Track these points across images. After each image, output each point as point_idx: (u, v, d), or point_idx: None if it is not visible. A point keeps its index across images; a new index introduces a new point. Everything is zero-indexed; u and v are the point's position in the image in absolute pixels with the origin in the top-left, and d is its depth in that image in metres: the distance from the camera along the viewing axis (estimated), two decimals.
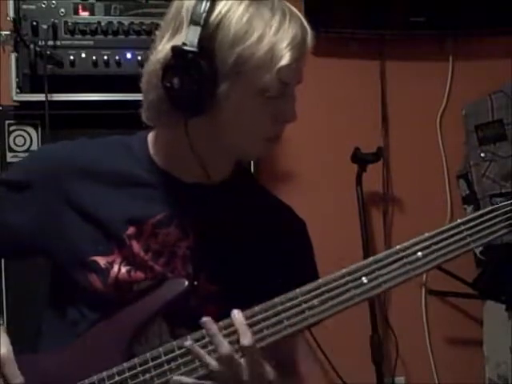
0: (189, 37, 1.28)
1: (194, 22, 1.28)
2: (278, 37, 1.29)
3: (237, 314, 1.29)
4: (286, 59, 1.29)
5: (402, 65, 2.94)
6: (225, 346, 1.27)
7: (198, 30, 1.28)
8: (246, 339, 1.27)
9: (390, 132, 2.95)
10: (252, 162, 2.39)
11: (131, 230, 1.39)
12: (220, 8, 1.29)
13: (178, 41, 1.30)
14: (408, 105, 2.94)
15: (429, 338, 2.94)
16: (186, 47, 1.28)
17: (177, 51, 1.29)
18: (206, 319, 1.30)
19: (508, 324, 2.61)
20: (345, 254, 2.70)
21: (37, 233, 1.41)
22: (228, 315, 1.33)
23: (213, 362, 1.28)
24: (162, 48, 1.33)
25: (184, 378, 1.30)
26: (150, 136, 1.46)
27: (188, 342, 1.29)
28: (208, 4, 1.28)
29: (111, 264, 1.38)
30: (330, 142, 2.90)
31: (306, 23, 1.36)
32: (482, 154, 2.82)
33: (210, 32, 1.28)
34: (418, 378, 2.94)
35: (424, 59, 2.94)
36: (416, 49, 2.93)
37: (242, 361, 1.28)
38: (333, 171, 2.87)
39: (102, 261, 1.38)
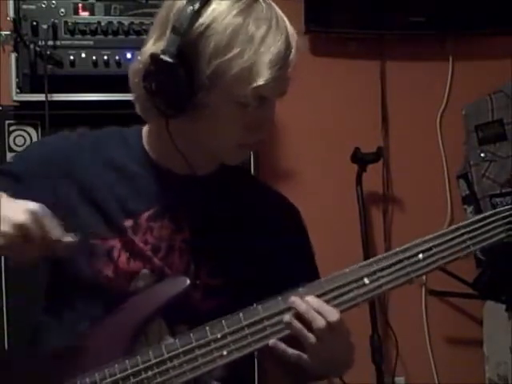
0: (168, 45, 1.29)
1: (175, 30, 1.28)
2: (259, 54, 1.28)
3: (310, 299, 1.30)
4: (264, 78, 1.28)
5: (402, 65, 2.94)
6: (320, 319, 1.28)
7: (178, 39, 1.28)
8: (335, 314, 1.29)
9: (390, 132, 2.95)
10: (252, 162, 2.39)
11: (129, 222, 1.41)
12: (205, 18, 1.29)
13: (160, 46, 1.31)
14: (408, 105, 2.94)
15: (429, 338, 2.94)
16: (163, 56, 1.28)
17: (154, 59, 1.30)
18: (294, 299, 1.31)
19: (508, 324, 2.61)
20: (345, 253, 2.70)
21: None
22: (229, 307, 1.35)
23: (311, 336, 1.29)
24: (146, 50, 1.35)
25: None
26: (145, 129, 1.49)
27: (287, 317, 1.30)
28: (193, 13, 1.27)
29: (111, 249, 1.39)
30: (330, 141, 2.90)
31: (292, 36, 1.33)
32: (482, 154, 2.82)
33: (190, 41, 1.28)
34: (418, 377, 2.94)
35: (424, 59, 2.94)
36: (416, 49, 2.93)
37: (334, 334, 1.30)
38: (333, 171, 2.87)
39: (103, 244, 1.39)
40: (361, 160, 2.73)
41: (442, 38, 2.94)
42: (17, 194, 1.39)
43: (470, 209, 2.86)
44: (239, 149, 1.39)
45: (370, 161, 2.74)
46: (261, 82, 1.28)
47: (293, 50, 1.33)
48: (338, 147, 2.83)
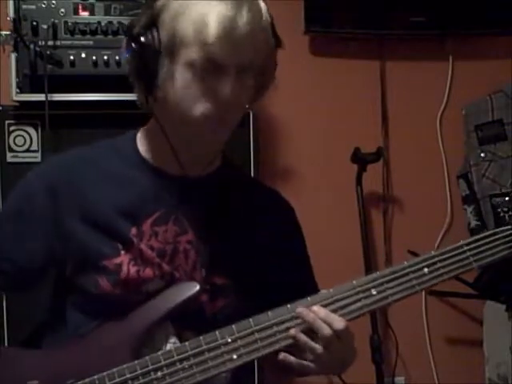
0: (138, 17, 1.37)
1: (145, 4, 1.38)
2: (207, 12, 1.30)
3: (317, 309, 1.33)
4: (210, 34, 1.29)
5: (402, 65, 2.94)
6: (326, 328, 1.31)
7: (147, 11, 1.35)
8: (341, 323, 1.32)
9: (390, 132, 2.95)
10: (252, 161, 2.39)
11: (134, 230, 1.40)
12: None
13: None
14: (408, 105, 2.94)
15: (429, 338, 2.94)
16: (131, 27, 1.37)
17: (126, 30, 1.38)
18: (301, 309, 1.33)
19: (508, 324, 2.61)
20: (345, 253, 2.71)
21: (52, 251, 1.43)
22: (235, 307, 1.39)
23: (318, 346, 1.32)
24: None
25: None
26: (139, 134, 1.49)
27: (292, 331, 1.33)
28: None
29: (120, 265, 1.39)
30: (330, 141, 2.90)
31: (246, 8, 1.32)
32: (482, 154, 2.82)
33: (156, 12, 1.34)
34: (418, 377, 2.94)
35: (424, 59, 2.94)
36: (416, 49, 2.93)
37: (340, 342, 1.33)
38: (333, 171, 2.87)
39: (110, 264, 1.39)
40: (361, 160, 2.73)
41: (442, 38, 2.93)
42: (19, 234, 1.43)
43: (470, 209, 2.86)
44: (208, 122, 1.35)
45: (370, 161, 2.74)
46: (207, 38, 1.29)
47: (244, 16, 1.31)
48: (338, 147, 2.83)
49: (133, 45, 1.35)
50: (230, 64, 1.33)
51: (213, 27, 1.29)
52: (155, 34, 1.34)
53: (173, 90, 1.35)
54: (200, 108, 1.34)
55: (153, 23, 1.34)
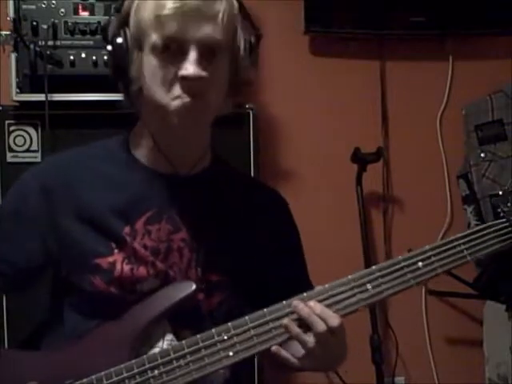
0: (112, 20, 1.39)
1: (117, 5, 1.39)
2: None
3: (312, 304, 1.33)
4: (164, 13, 1.31)
5: (402, 65, 2.94)
6: (320, 324, 1.31)
7: (119, 12, 1.38)
8: (336, 320, 1.32)
9: (390, 132, 2.95)
10: (252, 161, 2.39)
11: (127, 229, 1.41)
12: None
13: None
14: (408, 105, 2.94)
15: (429, 338, 2.94)
16: (105, 25, 1.40)
17: (101, 34, 1.42)
18: (296, 303, 1.33)
19: (508, 324, 2.61)
20: (345, 253, 2.71)
21: (48, 251, 1.44)
22: (233, 303, 1.40)
23: (310, 340, 1.32)
24: None
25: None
26: (131, 134, 1.50)
27: (285, 320, 1.33)
28: None
29: (113, 264, 1.39)
30: (330, 141, 2.90)
31: None
32: (482, 154, 2.82)
33: (126, 11, 1.37)
34: (418, 377, 2.94)
35: (424, 59, 2.94)
36: (416, 49, 2.93)
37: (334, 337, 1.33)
38: (333, 171, 2.87)
39: (103, 263, 1.39)
40: (361, 160, 2.73)
41: (442, 38, 2.94)
42: (17, 234, 1.44)
43: (470, 209, 2.86)
44: (182, 108, 1.35)
45: (370, 161, 2.74)
46: (162, 18, 1.31)
47: None
48: (338, 147, 2.83)
49: (108, 47, 1.38)
50: (189, 40, 1.33)
51: (166, 7, 1.31)
52: (126, 31, 1.36)
53: (144, 81, 1.36)
54: (171, 94, 1.34)
55: (124, 23, 1.37)
